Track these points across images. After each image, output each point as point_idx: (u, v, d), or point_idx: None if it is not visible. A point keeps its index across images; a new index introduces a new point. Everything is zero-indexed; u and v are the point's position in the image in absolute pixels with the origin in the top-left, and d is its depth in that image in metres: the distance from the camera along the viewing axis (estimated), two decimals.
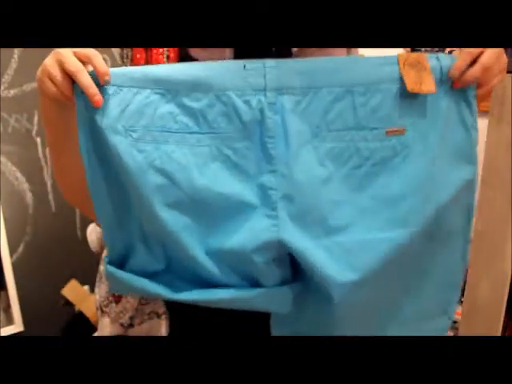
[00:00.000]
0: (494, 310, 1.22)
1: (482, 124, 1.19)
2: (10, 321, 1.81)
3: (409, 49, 1.85)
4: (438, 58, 0.66)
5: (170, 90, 0.66)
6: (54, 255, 1.89)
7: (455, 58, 0.65)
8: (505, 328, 1.24)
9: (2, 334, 1.75)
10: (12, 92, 1.71)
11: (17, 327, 1.82)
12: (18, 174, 1.78)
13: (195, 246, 0.68)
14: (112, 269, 0.72)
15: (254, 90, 0.65)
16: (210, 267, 0.69)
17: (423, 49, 1.83)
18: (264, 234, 0.67)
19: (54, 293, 1.85)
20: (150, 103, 0.66)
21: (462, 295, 1.35)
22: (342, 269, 0.66)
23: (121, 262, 0.73)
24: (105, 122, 0.64)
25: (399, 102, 0.65)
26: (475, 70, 0.63)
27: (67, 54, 0.62)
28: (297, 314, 0.74)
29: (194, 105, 0.66)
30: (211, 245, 0.69)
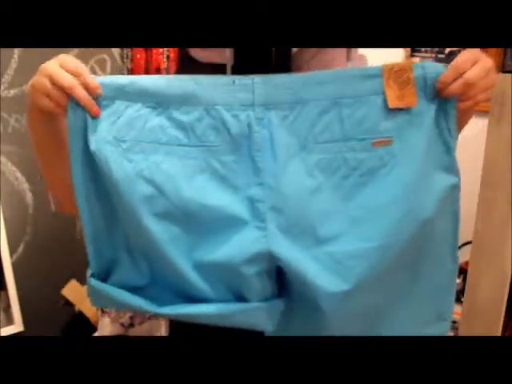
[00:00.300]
0: (493, 310, 1.22)
1: (482, 124, 1.19)
2: (10, 321, 1.81)
3: (409, 49, 1.85)
4: (423, 67, 0.66)
5: (160, 103, 0.67)
6: (54, 255, 1.89)
7: (442, 67, 0.65)
8: (505, 328, 1.24)
9: (2, 334, 1.75)
10: (12, 92, 1.71)
11: (17, 327, 1.81)
12: (18, 174, 1.77)
13: (181, 259, 0.68)
14: (95, 282, 0.72)
15: (243, 105, 0.66)
16: (196, 281, 0.69)
17: (423, 49, 1.83)
18: (253, 245, 0.67)
19: (54, 293, 1.85)
20: (140, 116, 0.67)
21: (462, 295, 1.35)
22: (333, 279, 0.66)
23: (104, 276, 0.73)
24: (96, 132, 0.65)
25: (385, 113, 0.66)
26: (457, 85, 0.64)
27: (57, 70, 0.64)
28: (286, 325, 0.74)
29: (184, 118, 0.67)
30: (198, 257, 0.69)
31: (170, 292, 0.71)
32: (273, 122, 0.66)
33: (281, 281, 0.72)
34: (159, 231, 0.67)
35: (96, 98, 0.65)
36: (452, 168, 0.68)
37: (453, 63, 0.64)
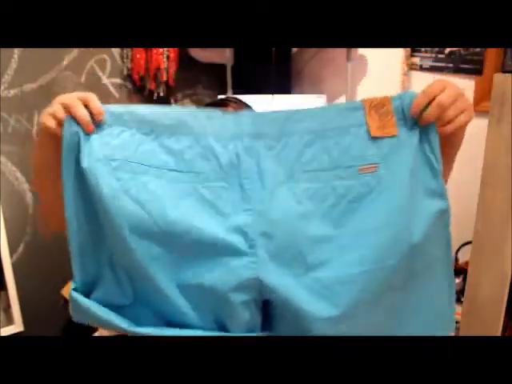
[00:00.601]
0: (493, 310, 1.22)
1: (482, 124, 1.19)
2: (10, 321, 1.81)
3: (409, 49, 1.85)
4: (400, 98, 0.68)
5: (154, 131, 0.70)
6: (54, 255, 1.89)
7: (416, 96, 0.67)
8: (505, 328, 1.24)
9: (2, 334, 1.75)
10: (12, 92, 1.71)
11: (17, 327, 1.82)
12: (18, 174, 1.78)
13: (164, 279, 0.69)
14: (77, 296, 0.72)
15: (232, 136, 0.69)
16: (179, 303, 0.69)
17: (423, 49, 1.83)
18: (243, 272, 0.68)
19: (54, 293, 1.85)
20: (134, 140, 0.69)
21: (462, 295, 1.35)
22: (323, 305, 0.67)
23: (87, 291, 0.73)
24: (88, 150, 0.67)
25: (369, 142, 0.69)
26: (431, 109, 0.66)
27: (68, 95, 0.68)
28: None
29: (175, 146, 0.69)
30: (184, 280, 0.69)
31: (152, 313, 0.72)
32: (260, 152, 0.69)
33: (266, 315, 0.72)
34: (143, 250, 0.68)
35: (97, 123, 0.68)
36: (440, 193, 0.69)
37: (422, 91, 0.67)
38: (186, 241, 0.68)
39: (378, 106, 0.68)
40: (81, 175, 0.68)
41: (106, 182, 0.67)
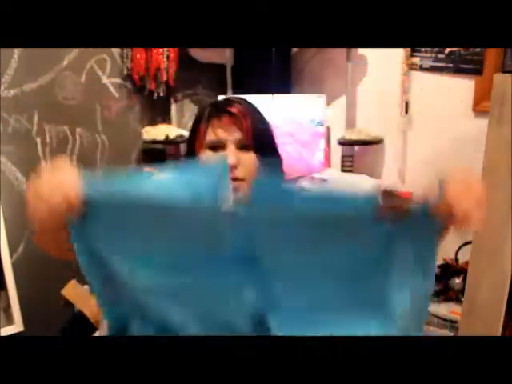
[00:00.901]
0: (493, 310, 1.22)
1: (482, 124, 1.19)
2: (10, 321, 1.81)
3: (409, 49, 1.85)
4: (418, 208, 0.65)
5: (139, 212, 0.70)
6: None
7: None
8: (505, 328, 1.24)
9: (2, 334, 1.75)
10: (12, 92, 1.71)
11: (17, 327, 1.81)
12: (18, 174, 1.77)
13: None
14: None
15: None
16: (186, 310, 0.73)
17: (423, 49, 1.83)
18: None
19: (54, 293, 1.85)
20: (124, 216, 0.70)
21: (462, 295, 1.35)
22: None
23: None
24: (86, 232, 0.69)
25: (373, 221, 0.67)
26: (446, 217, 0.63)
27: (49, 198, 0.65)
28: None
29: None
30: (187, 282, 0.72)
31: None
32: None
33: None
34: (160, 300, 0.72)
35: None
36: (430, 276, 0.70)
37: (444, 197, 0.63)
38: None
39: (394, 197, 0.66)
40: (91, 250, 0.71)
41: (114, 253, 0.70)
